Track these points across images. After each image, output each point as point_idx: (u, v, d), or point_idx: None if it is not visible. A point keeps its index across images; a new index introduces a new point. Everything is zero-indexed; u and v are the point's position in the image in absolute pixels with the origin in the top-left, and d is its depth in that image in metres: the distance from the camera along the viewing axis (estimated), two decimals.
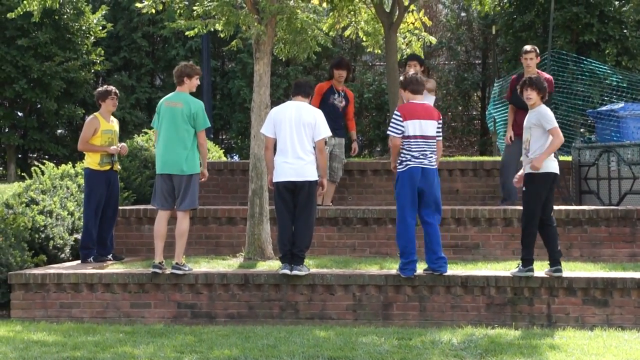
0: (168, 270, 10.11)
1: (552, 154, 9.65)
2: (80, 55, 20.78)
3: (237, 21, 11.19)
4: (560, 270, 9.68)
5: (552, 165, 9.65)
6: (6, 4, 19.17)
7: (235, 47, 12.21)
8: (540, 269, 9.85)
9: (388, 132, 10.01)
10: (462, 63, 25.31)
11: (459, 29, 25.14)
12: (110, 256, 11.26)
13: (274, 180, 10.04)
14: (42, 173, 12.15)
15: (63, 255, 11.36)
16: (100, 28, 21.44)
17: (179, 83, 10.36)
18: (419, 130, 9.76)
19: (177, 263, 10.10)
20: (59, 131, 22.61)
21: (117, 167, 11.39)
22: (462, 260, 11.17)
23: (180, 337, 8.74)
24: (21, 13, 12.03)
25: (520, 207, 10.16)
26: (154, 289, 10.13)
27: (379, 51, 15.73)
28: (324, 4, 14.36)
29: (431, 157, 9.79)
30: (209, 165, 12.37)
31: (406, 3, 14.37)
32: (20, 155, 22.03)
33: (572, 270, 10.29)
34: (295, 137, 9.98)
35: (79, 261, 11.16)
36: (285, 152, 9.99)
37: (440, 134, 9.95)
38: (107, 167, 11.16)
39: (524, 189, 9.73)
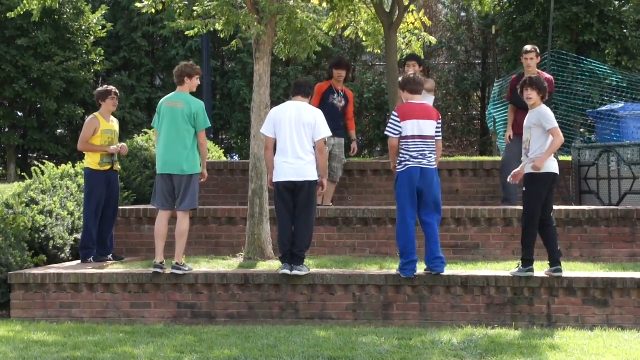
0: (168, 271, 10.11)
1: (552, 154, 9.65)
2: (80, 55, 20.78)
3: (237, 21, 11.19)
4: (560, 271, 9.69)
5: (552, 165, 9.65)
6: (6, 4, 19.17)
7: (235, 47, 12.22)
8: (540, 269, 9.85)
9: (385, 133, 10.02)
10: (462, 63, 25.32)
11: (459, 29, 25.14)
12: (110, 256, 11.26)
13: (274, 180, 10.04)
14: (42, 173, 12.15)
15: (63, 255, 11.36)
16: (100, 28, 21.44)
17: (179, 83, 10.36)
18: (417, 131, 9.77)
19: (177, 263, 10.10)
20: (59, 131, 22.61)
21: (117, 167, 11.39)
22: (462, 261, 11.17)
23: (180, 337, 8.74)
24: (21, 13, 12.02)
25: (520, 207, 10.16)
26: (154, 289, 10.13)
27: (379, 51, 15.74)
28: (324, 4, 14.37)
29: (430, 157, 9.79)
30: (209, 165, 12.37)
31: (406, 3, 14.37)
32: (20, 155, 22.03)
33: (572, 270, 10.29)
34: (295, 137, 9.97)
35: (79, 261, 11.16)
36: (285, 152, 9.99)
37: (440, 134, 9.95)
38: (107, 167, 11.16)
39: (524, 189, 9.73)
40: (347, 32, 15.35)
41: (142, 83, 22.75)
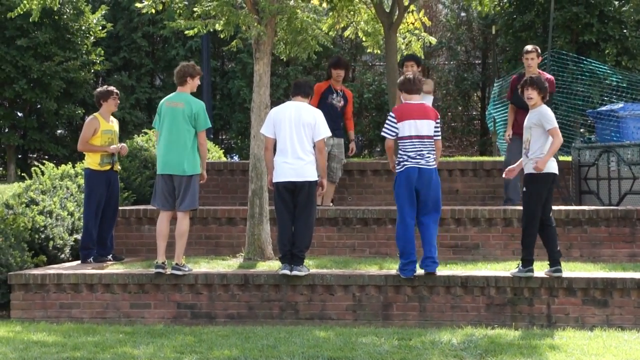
0: (168, 271, 10.11)
1: None
2: (80, 55, 20.77)
3: (237, 21, 11.19)
4: (560, 271, 9.69)
5: (551, 166, 9.65)
6: (6, 4, 19.16)
7: (235, 47, 12.21)
8: (540, 269, 9.85)
9: (382, 134, 10.04)
10: (462, 63, 25.32)
11: (459, 29, 25.14)
12: (110, 256, 11.26)
13: (274, 181, 10.04)
14: (42, 173, 12.15)
15: (63, 255, 11.36)
16: (100, 28, 21.43)
17: (181, 83, 10.33)
18: (414, 131, 9.77)
19: (177, 264, 10.10)
20: (59, 131, 22.61)
21: (117, 167, 11.40)
22: (462, 261, 11.18)
23: (180, 338, 8.74)
24: (21, 12, 12.02)
25: (520, 208, 10.16)
26: (153, 290, 10.13)
27: (379, 51, 15.73)
28: (324, 4, 14.37)
29: (428, 157, 9.79)
30: (209, 165, 12.36)
31: (406, 3, 14.36)
32: (20, 156, 22.02)
33: (571, 270, 10.29)
34: (295, 137, 9.97)
35: (79, 261, 11.16)
36: (285, 152, 9.99)
37: (439, 134, 9.95)
38: (107, 168, 11.16)
39: (524, 189, 9.73)
40: (347, 32, 15.35)
41: (142, 83, 22.75)
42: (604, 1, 19.68)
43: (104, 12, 21.50)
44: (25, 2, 11.75)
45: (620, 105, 13.77)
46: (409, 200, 9.75)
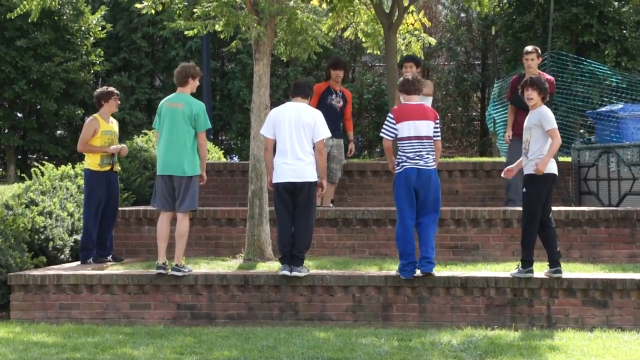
0: (168, 272, 10.10)
1: None
2: (79, 55, 20.76)
3: (236, 22, 11.19)
4: (559, 272, 9.68)
5: (551, 166, 9.65)
6: (6, 5, 19.16)
7: (235, 48, 12.22)
8: (540, 270, 9.85)
9: (380, 134, 10.04)
10: (462, 64, 25.31)
11: (459, 30, 25.14)
12: (109, 257, 11.26)
13: (274, 182, 10.04)
14: (42, 174, 12.14)
15: (63, 256, 11.35)
16: (100, 29, 21.42)
17: (182, 84, 10.30)
18: (413, 132, 9.77)
19: (176, 264, 10.10)
20: (59, 132, 22.59)
21: (117, 168, 11.40)
22: (461, 261, 11.18)
23: (180, 338, 8.74)
24: (21, 13, 12.01)
25: (520, 208, 10.16)
26: (153, 290, 10.13)
27: (379, 52, 15.74)
28: (324, 5, 14.37)
29: (427, 157, 9.78)
30: (209, 166, 12.35)
31: (406, 4, 14.37)
32: (19, 156, 22.01)
33: (571, 271, 10.29)
34: (294, 138, 9.97)
35: (79, 262, 11.15)
36: (285, 153, 9.99)
37: (438, 134, 9.95)
38: (107, 168, 11.16)
39: (524, 190, 9.73)
40: (346, 33, 15.36)
41: (141, 84, 22.74)
42: (603, 2, 19.68)
43: (103, 12, 21.49)
44: (25, 2, 11.74)
45: (620, 106, 13.77)
46: (408, 201, 9.75)
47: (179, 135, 10.11)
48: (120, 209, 11.69)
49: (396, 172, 9.84)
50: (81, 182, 11.93)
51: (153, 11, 11.75)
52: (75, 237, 11.52)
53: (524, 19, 20.25)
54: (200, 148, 10.24)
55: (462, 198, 13.27)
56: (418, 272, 9.82)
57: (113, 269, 10.71)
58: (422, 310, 9.82)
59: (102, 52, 21.44)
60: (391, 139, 9.86)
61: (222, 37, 11.68)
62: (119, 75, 22.53)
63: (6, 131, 21.23)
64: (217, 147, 16.71)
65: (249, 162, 11.27)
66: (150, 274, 10.19)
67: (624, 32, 19.82)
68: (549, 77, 12.37)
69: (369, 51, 15.87)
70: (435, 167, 9.87)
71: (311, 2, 13.21)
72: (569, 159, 13.46)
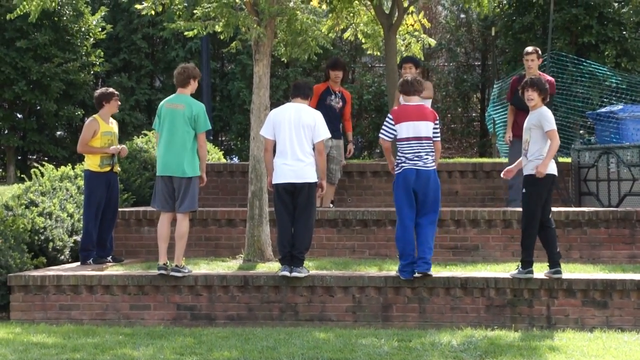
0: (169, 272, 10.10)
1: None
2: (79, 56, 20.76)
3: (236, 23, 11.18)
4: (559, 272, 9.68)
5: (551, 167, 9.65)
6: (5, 5, 19.16)
7: (234, 49, 12.21)
8: (540, 270, 9.85)
9: (379, 135, 10.05)
10: (462, 65, 25.32)
11: (459, 31, 25.14)
12: (109, 258, 11.26)
13: (274, 182, 10.04)
14: (42, 175, 12.14)
15: (62, 257, 11.35)
16: (100, 29, 21.42)
17: (183, 85, 10.28)
18: (412, 132, 9.77)
19: (176, 265, 10.09)
20: (59, 133, 22.58)
21: (117, 168, 11.40)
22: (461, 262, 11.18)
23: (180, 339, 8.74)
24: (21, 14, 12.01)
25: (520, 209, 10.16)
26: (153, 291, 10.13)
27: (379, 53, 15.74)
28: (324, 6, 14.37)
29: (426, 158, 9.78)
30: (209, 167, 12.36)
31: (405, 5, 14.37)
32: (19, 157, 22.00)
33: (571, 271, 10.29)
34: (294, 139, 9.97)
35: (79, 263, 11.15)
36: (285, 153, 9.99)
37: (438, 135, 9.95)
38: (107, 169, 11.16)
39: (523, 190, 9.73)
40: (346, 34, 15.36)
41: (141, 85, 22.74)
42: (603, 3, 19.68)
43: (103, 13, 21.49)
44: (24, 3, 11.74)
45: (620, 106, 13.78)
46: (407, 202, 9.74)
47: (179, 136, 10.11)
48: (120, 209, 11.69)
49: (395, 172, 9.85)
50: (81, 183, 11.93)
51: (153, 12, 11.75)
52: (75, 238, 11.52)
53: (523, 20, 20.25)
54: (200, 149, 10.23)
55: (461, 199, 13.27)
56: (416, 273, 9.83)
57: (113, 270, 10.71)
58: (422, 311, 9.82)
59: (102, 53, 21.43)
60: (389, 139, 9.87)
61: (222, 38, 11.67)
62: (119, 76, 22.53)
63: (6, 132, 21.22)
64: (217, 148, 16.71)
65: (249, 162, 11.27)
66: (150, 274, 10.20)
67: (624, 33, 19.83)
68: (549, 78, 12.37)
69: (368, 52, 15.87)
70: (434, 167, 9.87)
71: (311, 3, 13.21)
72: (568, 160, 13.47)
